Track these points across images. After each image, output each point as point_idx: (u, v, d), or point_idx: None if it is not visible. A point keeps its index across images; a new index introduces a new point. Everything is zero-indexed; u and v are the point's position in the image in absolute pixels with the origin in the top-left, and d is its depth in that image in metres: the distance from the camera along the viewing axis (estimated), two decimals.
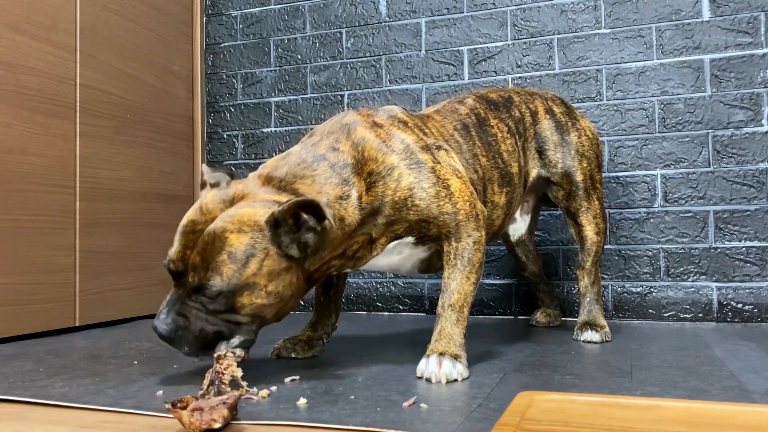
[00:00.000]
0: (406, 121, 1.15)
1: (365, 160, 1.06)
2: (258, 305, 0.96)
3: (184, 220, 0.99)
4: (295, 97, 2.12)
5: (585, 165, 1.45)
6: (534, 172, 1.44)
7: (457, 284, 1.08)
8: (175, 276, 0.97)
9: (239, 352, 0.91)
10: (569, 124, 1.47)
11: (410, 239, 1.12)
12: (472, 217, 1.10)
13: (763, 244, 1.67)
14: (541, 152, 1.44)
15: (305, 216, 0.95)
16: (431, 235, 1.10)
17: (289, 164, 1.03)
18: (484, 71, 1.92)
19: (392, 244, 1.12)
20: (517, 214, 1.56)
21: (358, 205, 1.03)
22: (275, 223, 0.94)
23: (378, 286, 2.00)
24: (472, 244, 1.10)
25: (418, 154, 1.09)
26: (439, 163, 1.10)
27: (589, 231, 1.45)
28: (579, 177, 1.44)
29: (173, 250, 0.97)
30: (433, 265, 1.22)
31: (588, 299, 1.45)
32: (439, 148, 1.14)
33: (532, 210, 1.59)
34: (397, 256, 1.16)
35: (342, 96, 2.07)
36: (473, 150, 1.26)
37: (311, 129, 2.07)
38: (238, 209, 0.96)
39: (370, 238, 1.08)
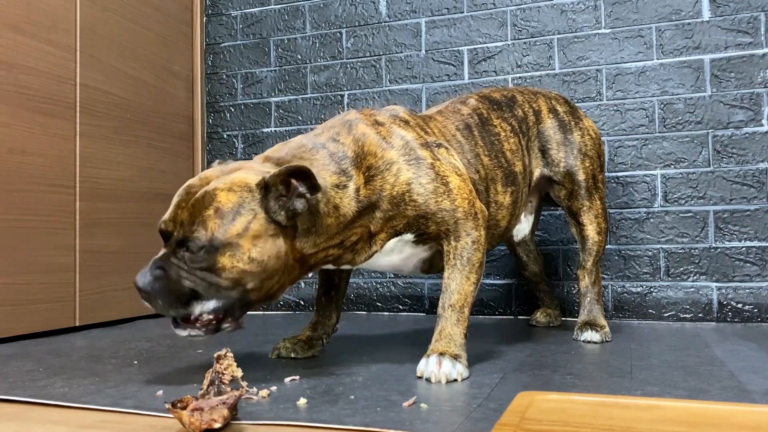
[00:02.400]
0: (407, 120, 1.16)
1: (365, 155, 1.07)
2: (239, 270, 0.95)
3: (182, 186, 1.01)
4: (295, 97, 2.12)
5: (587, 164, 1.45)
6: (537, 172, 1.44)
7: (457, 284, 1.08)
8: (165, 237, 0.98)
9: (208, 317, 0.94)
10: (572, 123, 1.47)
11: (410, 237, 1.12)
12: (470, 215, 1.10)
13: (763, 244, 1.67)
14: (544, 151, 1.44)
15: (296, 183, 0.96)
16: (430, 232, 1.10)
17: (290, 147, 1.06)
18: (484, 71, 1.92)
19: (392, 241, 1.11)
20: (522, 215, 1.56)
21: (355, 197, 1.04)
22: (265, 187, 0.96)
23: (378, 286, 2.00)
24: (471, 243, 1.10)
25: (417, 150, 1.09)
26: (438, 159, 1.11)
27: (591, 230, 1.45)
28: (581, 176, 1.44)
29: (167, 213, 0.99)
30: (435, 266, 1.22)
31: (588, 299, 1.45)
32: (439, 146, 1.15)
33: (536, 210, 1.59)
34: (398, 255, 1.15)
35: (342, 96, 2.07)
36: (475, 150, 1.26)
37: (311, 129, 2.07)
38: (232, 174, 0.99)
39: (369, 232, 1.08)
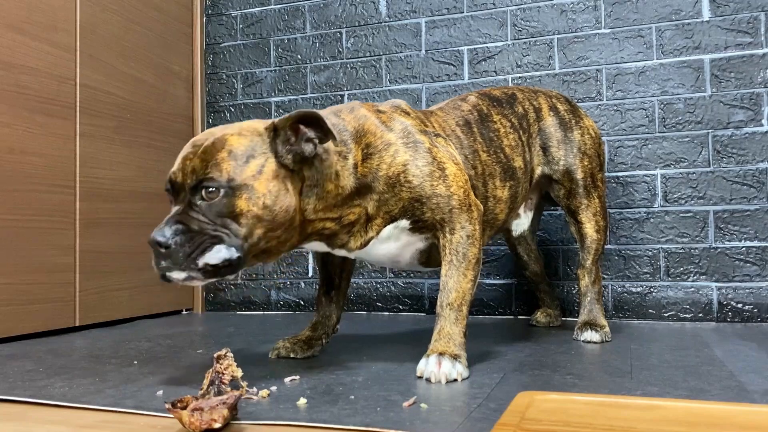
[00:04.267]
0: (408, 112, 1.18)
1: (364, 132, 1.08)
2: (254, 215, 0.94)
3: (186, 145, 1.00)
4: (295, 97, 2.12)
5: (586, 163, 1.45)
6: (538, 170, 1.44)
7: (455, 282, 1.08)
8: (175, 190, 0.96)
9: (215, 264, 0.91)
10: (573, 122, 1.47)
11: (406, 224, 1.11)
12: (465, 206, 1.10)
13: (763, 244, 1.67)
14: (545, 149, 1.44)
15: (304, 129, 0.98)
16: (426, 219, 1.10)
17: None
18: (484, 71, 1.92)
19: (389, 228, 1.11)
20: (521, 210, 1.56)
21: (353, 172, 1.05)
22: (275, 131, 0.98)
23: (378, 286, 2.00)
24: (467, 237, 1.10)
25: (416, 135, 1.11)
26: (436, 147, 1.12)
27: (589, 228, 1.45)
28: (579, 175, 1.44)
29: (174, 166, 0.98)
30: (433, 259, 1.21)
31: (588, 299, 1.45)
32: (437, 135, 1.17)
33: (536, 208, 1.59)
34: (395, 243, 1.14)
35: (342, 96, 2.07)
36: (474, 146, 1.27)
37: None
38: (239, 123, 1.01)
39: (366, 215, 1.08)
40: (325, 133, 0.98)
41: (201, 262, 0.92)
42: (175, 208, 0.96)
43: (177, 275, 0.93)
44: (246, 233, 0.94)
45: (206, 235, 0.93)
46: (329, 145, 1.03)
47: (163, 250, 0.91)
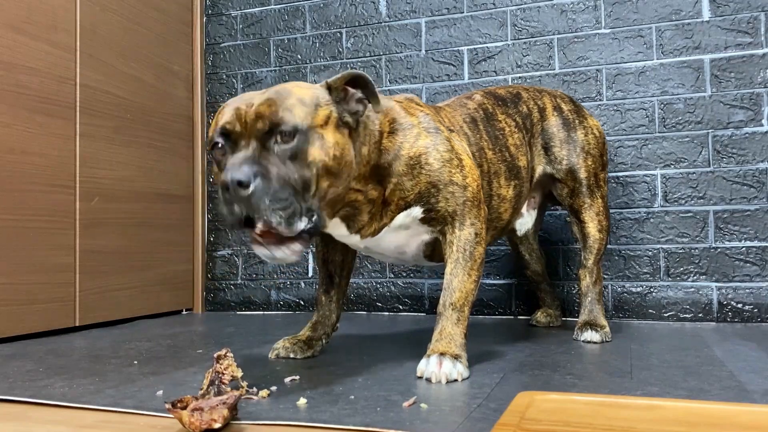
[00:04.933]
0: (421, 105, 1.20)
1: (389, 112, 1.09)
2: (325, 164, 0.92)
3: (228, 109, 0.93)
4: None
5: (590, 163, 1.45)
6: (539, 169, 1.44)
7: (459, 282, 1.08)
8: (232, 140, 0.90)
9: (297, 228, 0.85)
10: (576, 121, 1.47)
11: (419, 212, 1.10)
12: (477, 201, 1.11)
13: (763, 244, 1.67)
14: (547, 149, 1.45)
15: (352, 90, 0.99)
16: (438, 209, 1.09)
17: None
18: (484, 71, 1.92)
19: (401, 215, 1.10)
20: (524, 209, 1.56)
21: (378, 141, 1.05)
22: (329, 89, 0.98)
23: (378, 286, 2.00)
24: (474, 235, 1.10)
25: (435, 123, 1.13)
26: (451, 138, 1.14)
27: (592, 228, 1.45)
28: (583, 174, 1.44)
29: (225, 117, 0.91)
30: (437, 253, 1.21)
31: (589, 299, 1.45)
32: (451, 131, 1.19)
33: (539, 207, 1.58)
34: (405, 232, 1.14)
35: None
36: (480, 143, 1.27)
37: None
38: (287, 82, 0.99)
39: (383, 199, 1.07)
40: (371, 94, 0.99)
41: (297, 226, 0.87)
42: (240, 153, 0.89)
43: (274, 252, 0.88)
44: (316, 184, 0.91)
45: (286, 186, 0.86)
46: (366, 112, 1.04)
47: (245, 192, 0.83)
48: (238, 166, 0.85)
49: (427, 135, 1.10)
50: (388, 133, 1.07)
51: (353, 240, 1.13)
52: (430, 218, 1.11)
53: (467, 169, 1.11)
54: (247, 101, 0.93)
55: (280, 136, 0.89)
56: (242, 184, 0.84)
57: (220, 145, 0.92)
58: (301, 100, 0.93)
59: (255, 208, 0.85)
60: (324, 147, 0.92)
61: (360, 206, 1.06)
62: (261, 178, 0.85)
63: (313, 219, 0.91)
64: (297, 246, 0.90)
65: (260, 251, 0.90)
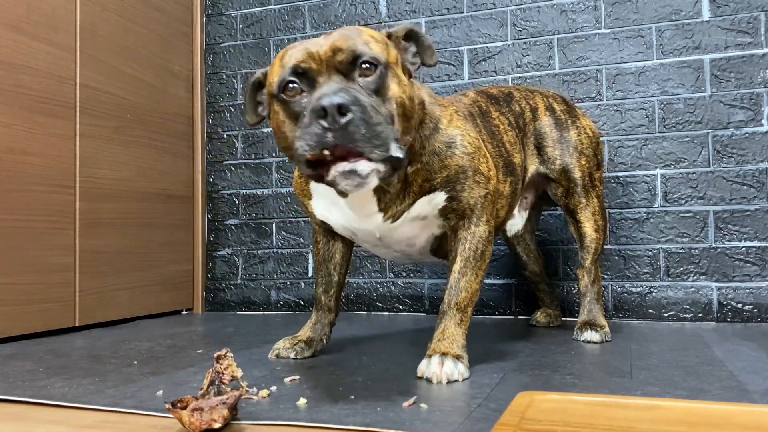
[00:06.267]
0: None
1: (421, 86, 1.09)
2: (403, 102, 0.91)
3: (295, 47, 0.91)
4: None
5: (583, 162, 1.45)
6: (532, 168, 1.44)
7: (467, 281, 1.08)
8: (309, 77, 0.87)
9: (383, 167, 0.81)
10: (569, 121, 1.47)
11: (442, 198, 1.06)
12: (493, 197, 1.11)
13: (763, 244, 1.67)
14: (539, 148, 1.45)
15: (406, 43, 1.00)
16: (461, 199, 1.07)
17: None
18: (484, 71, 1.92)
19: (423, 200, 1.06)
20: (515, 210, 1.56)
21: (422, 106, 1.04)
22: (389, 37, 0.98)
23: (378, 286, 2.00)
24: (488, 234, 1.10)
25: (466, 109, 1.15)
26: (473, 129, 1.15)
27: (588, 228, 1.45)
28: (577, 174, 1.44)
29: (295, 57, 0.87)
30: (442, 248, 1.19)
31: (588, 299, 1.45)
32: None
33: (532, 208, 1.58)
34: (420, 222, 1.10)
35: None
36: (480, 137, 1.27)
37: None
38: None
39: (405, 177, 1.03)
40: (427, 48, 0.99)
41: (392, 149, 0.83)
42: (327, 85, 0.85)
43: (363, 167, 0.83)
44: (396, 120, 0.88)
45: (376, 117, 0.83)
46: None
47: (344, 118, 0.80)
48: (334, 93, 0.81)
49: (459, 118, 1.10)
50: (429, 102, 1.07)
51: (373, 223, 1.07)
52: (451, 209, 1.08)
53: (490, 162, 1.11)
54: (313, 43, 0.90)
55: (362, 69, 0.88)
56: (342, 109, 0.80)
57: (293, 85, 0.88)
58: (374, 37, 0.93)
59: (351, 135, 0.81)
60: (401, 85, 0.93)
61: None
62: (358, 106, 0.82)
63: (402, 149, 0.86)
64: (374, 179, 0.85)
65: (344, 183, 0.84)
